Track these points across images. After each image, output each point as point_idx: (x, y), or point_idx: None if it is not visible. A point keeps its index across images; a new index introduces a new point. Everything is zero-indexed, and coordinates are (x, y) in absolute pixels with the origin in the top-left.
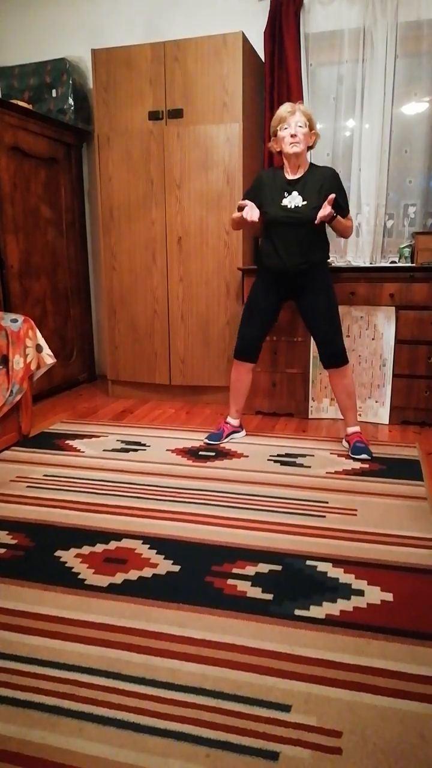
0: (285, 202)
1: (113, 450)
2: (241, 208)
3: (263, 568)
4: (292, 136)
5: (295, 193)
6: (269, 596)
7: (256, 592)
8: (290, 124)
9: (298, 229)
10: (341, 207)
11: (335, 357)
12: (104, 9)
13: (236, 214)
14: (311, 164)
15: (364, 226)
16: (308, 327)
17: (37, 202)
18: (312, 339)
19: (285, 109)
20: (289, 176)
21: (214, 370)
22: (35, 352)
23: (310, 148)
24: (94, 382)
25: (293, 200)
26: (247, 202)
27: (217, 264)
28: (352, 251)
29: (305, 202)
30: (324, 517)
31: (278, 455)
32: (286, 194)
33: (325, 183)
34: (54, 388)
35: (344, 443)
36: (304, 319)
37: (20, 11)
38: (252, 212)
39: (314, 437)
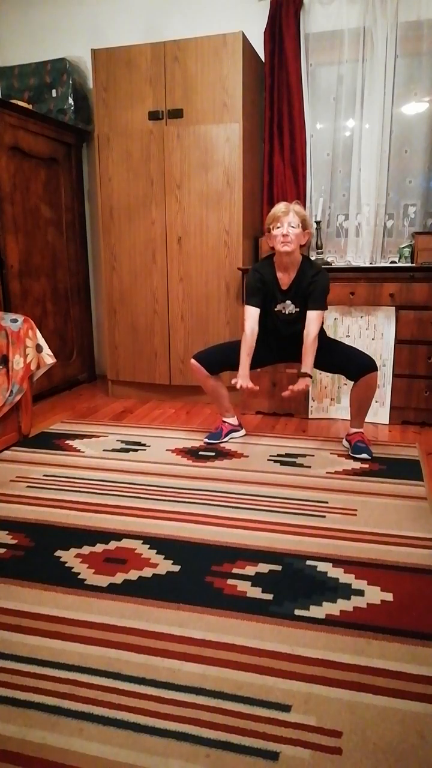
0: (279, 307)
1: (113, 450)
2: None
3: (263, 568)
4: (283, 236)
5: (288, 301)
6: (269, 596)
7: (256, 592)
8: (283, 224)
9: (291, 329)
10: (315, 303)
11: (364, 366)
12: (104, 9)
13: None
14: (303, 262)
15: (364, 226)
16: (330, 371)
17: (37, 202)
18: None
19: (279, 209)
20: (282, 284)
21: None
22: (35, 352)
23: (302, 246)
24: (94, 382)
25: (287, 308)
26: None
27: (217, 264)
28: (352, 251)
29: (297, 309)
30: (324, 517)
31: (278, 455)
32: (279, 301)
33: (312, 293)
34: (54, 388)
35: (344, 443)
36: (321, 370)
37: (20, 11)
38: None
39: (314, 437)
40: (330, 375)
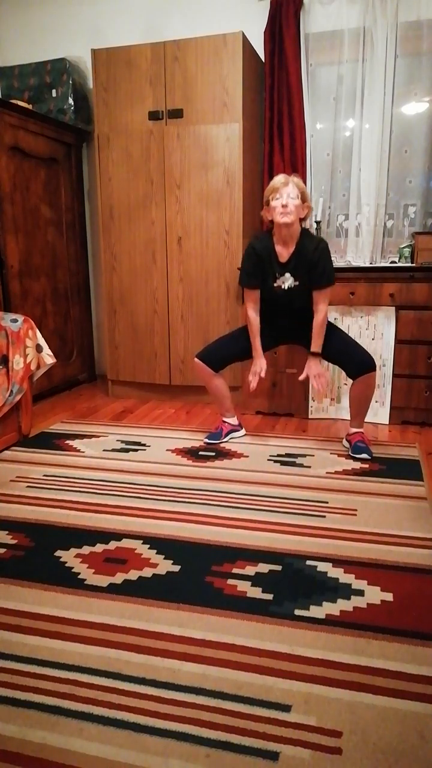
0: (278, 282)
1: (113, 450)
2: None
3: (263, 568)
4: (283, 206)
5: (287, 274)
6: (269, 596)
7: (256, 592)
8: (282, 195)
9: (291, 304)
10: (322, 278)
11: (364, 365)
12: (104, 9)
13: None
14: (302, 235)
15: (364, 226)
16: (327, 360)
17: (37, 202)
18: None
19: (278, 180)
20: (281, 257)
21: None
22: (35, 352)
23: (302, 220)
24: (94, 382)
25: (286, 281)
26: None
27: (217, 264)
28: (352, 251)
29: (297, 283)
30: (324, 517)
31: (278, 455)
32: (278, 275)
33: (315, 267)
34: (54, 388)
35: (345, 443)
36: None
37: (20, 11)
38: (257, 377)
39: (314, 437)
40: (330, 375)
